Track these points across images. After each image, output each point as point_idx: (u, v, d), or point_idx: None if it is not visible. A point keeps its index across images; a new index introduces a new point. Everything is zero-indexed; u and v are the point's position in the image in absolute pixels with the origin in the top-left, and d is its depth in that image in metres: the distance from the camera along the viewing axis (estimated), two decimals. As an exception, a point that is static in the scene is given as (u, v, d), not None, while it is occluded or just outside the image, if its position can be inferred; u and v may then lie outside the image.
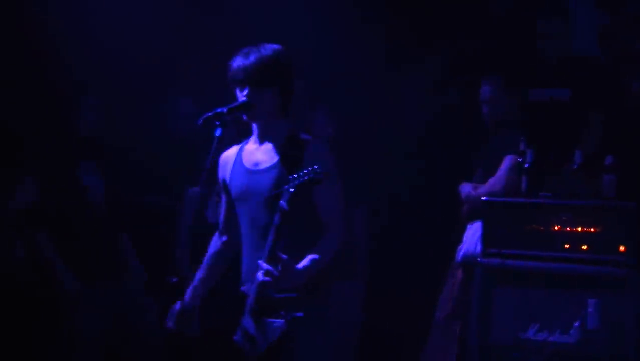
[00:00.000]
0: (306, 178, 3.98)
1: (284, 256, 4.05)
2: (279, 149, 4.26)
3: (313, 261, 4.15)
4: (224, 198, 4.48)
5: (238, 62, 4.23)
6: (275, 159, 4.25)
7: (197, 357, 5.87)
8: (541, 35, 6.45)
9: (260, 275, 4.06)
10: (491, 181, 5.91)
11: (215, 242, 4.53)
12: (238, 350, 4.20)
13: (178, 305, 4.34)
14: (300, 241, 4.16)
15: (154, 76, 6.97)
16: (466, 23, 6.94)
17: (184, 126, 6.65)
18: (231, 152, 4.44)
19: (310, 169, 3.98)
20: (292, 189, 3.99)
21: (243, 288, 4.28)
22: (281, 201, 4.02)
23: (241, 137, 4.47)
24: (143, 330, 6.17)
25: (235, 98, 4.27)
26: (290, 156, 4.20)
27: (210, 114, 4.13)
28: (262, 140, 4.33)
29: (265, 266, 4.05)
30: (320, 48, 6.73)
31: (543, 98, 6.40)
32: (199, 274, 4.42)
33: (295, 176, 4.01)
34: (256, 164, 4.30)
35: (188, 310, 4.38)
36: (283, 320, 4.11)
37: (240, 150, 4.41)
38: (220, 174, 4.45)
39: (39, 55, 6.63)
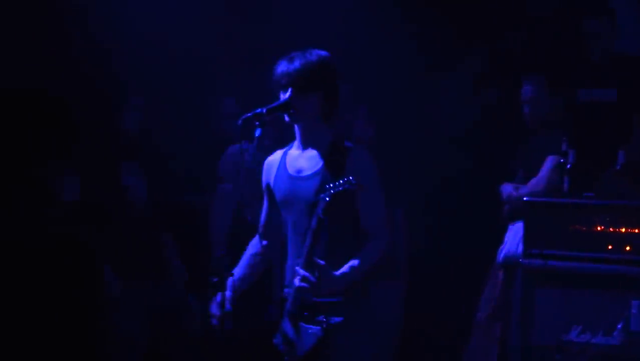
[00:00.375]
0: (340, 188, 4.00)
1: (321, 262, 4.06)
2: (321, 156, 4.24)
3: (352, 268, 4.14)
4: (265, 202, 4.49)
5: (282, 67, 4.23)
6: (318, 166, 4.23)
7: (236, 358, 5.89)
8: (588, 35, 6.39)
9: (296, 281, 4.08)
10: (533, 181, 5.88)
11: (255, 244, 4.54)
12: (277, 353, 4.21)
13: (215, 303, 4.35)
14: (342, 248, 4.17)
15: (197, 75, 7.01)
16: (508, 22, 6.91)
17: (227, 126, 6.67)
18: (275, 157, 4.44)
19: (345, 179, 4.00)
20: (327, 198, 4.01)
21: (285, 291, 4.30)
22: (317, 209, 4.04)
23: (284, 140, 4.48)
24: (184, 329, 6.21)
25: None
26: (332, 163, 4.18)
27: (249, 114, 4.13)
28: (305, 145, 4.31)
29: (302, 272, 4.06)
30: (359, 49, 6.74)
31: (590, 98, 6.35)
32: (237, 273, 4.43)
33: (331, 185, 4.03)
34: (299, 171, 4.29)
35: (223, 307, 4.38)
36: (319, 327, 4.11)
37: (284, 155, 4.40)
38: (264, 179, 4.46)
39: (83, 55, 6.69)
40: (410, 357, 6.68)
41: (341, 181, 4.01)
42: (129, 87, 6.55)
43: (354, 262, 4.15)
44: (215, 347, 6.05)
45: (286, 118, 4.25)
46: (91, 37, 6.66)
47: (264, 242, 4.50)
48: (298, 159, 4.32)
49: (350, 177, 3.99)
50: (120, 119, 6.27)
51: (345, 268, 4.14)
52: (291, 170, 4.32)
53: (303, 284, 4.06)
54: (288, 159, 4.36)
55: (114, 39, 6.68)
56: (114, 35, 6.68)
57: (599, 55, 6.37)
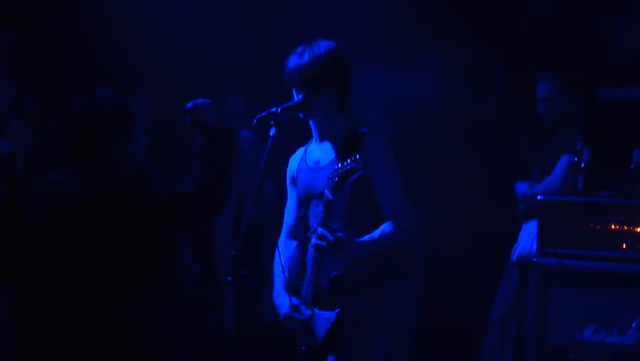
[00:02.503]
0: (347, 168, 4.00)
1: (337, 226, 4.07)
2: (336, 146, 4.28)
3: (371, 238, 4.16)
4: (292, 199, 4.51)
5: (293, 62, 4.25)
6: (333, 155, 4.28)
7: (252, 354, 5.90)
8: (610, 32, 6.37)
9: (313, 238, 4.08)
10: (547, 180, 5.87)
11: (287, 245, 4.53)
12: (293, 344, 4.23)
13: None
14: (360, 233, 4.16)
15: (204, 74, 7.01)
16: (523, 19, 6.90)
17: (233, 125, 6.65)
18: (298, 153, 4.49)
19: (352, 158, 4.00)
20: (335, 179, 4.02)
21: (300, 282, 4.31)
22: (325, 191, 4.05)
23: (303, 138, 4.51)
24: (200, 328, 6.22)
25: (291, 98, 4.30)
26: (346, 151, 4.20)
27: (263, 113, 4.15)
28: (321, 138, 4.36)
29: (320, 230, 4.06)
30: (369, 44, 6.72)
31: (609, 97, 6.33)
32: (283, 277, 4.40)
33: (339, 165, 4.04)
34: (317, 162, 4.35)
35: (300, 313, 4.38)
36: (333, 312, 4.11)
37: (305, 150, 4.45)
38: (289, 175, 4.51)
39: (90, 53, 6.71)
40: (425, 357, 6.68)
41: (348, 160, 4.01)
42: (137, 85, 6.56)
43: (372, 235, 4.16)
44: (229, 345, 6.07)
45: (301, 115, 4.27)
46: (97, 35, 6.67)
47: (295, 242, 4.51)
48: (316, 151, 4.37)
49: (357, 156, 3.99)
50: None
51: (365, 238, 4.15)
52: (310, 163, 4.37)
53: (320, 242, 4.05)
54: (308, 153, 4.42)
55: (120, 36, 6.68)
56: (119, 33, 6.68)
57: (623, 54, 6.33)
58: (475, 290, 6.37)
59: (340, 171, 4.03)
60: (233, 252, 4.05)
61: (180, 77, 6.89)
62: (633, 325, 5.16)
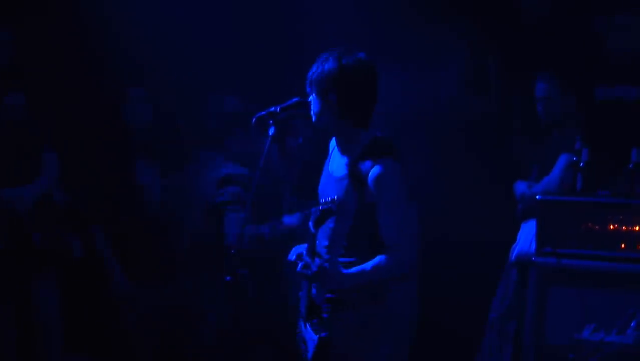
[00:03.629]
0: (324, 207, 4.02)
1: (326, 256, 4.08)
2: (348, 164, 4.21)
3: (362, 270, 4.11)
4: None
5: (312, 69, 4.20)
6: (343, 173, 4.21)
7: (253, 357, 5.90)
8: (608, 32, 6.36)
9: (299, 264, 4.10)
10: (546, 179, 5.88)
11: None
12: (297, 350, 4.24)
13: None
14: (359, 258, 4.15)
15: (203, 73, 7.01)
16: (521, 20, 6.90)
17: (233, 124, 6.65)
18: (331, 150, 4.43)
19: (330, 198, 4.01)
20: (318, 213, 4.03)
21: (300, 293, 4.32)
22: (309, 223, 4.07)
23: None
24: (199, 329, 6.22)
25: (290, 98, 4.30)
26: (355, 174, 4.15)
27: (263, 113, 4.15)
28: (341, 150, 4.29)
29: (305, 258, 4.08)
30: (369, 47, 6.72)
31: (609, 97, 6.33)
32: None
33: (323, 200, 4.04)
34: (332, 172, 4.30)
35: None
36: (316, 337, 4.11)
37: (332, 150, 4.39)
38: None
39: (89, 49, 6.70)
40: (424, 356, 6.67)
41: (329, 200, 4.02)
42: (136, 85, 6.55)
43: (365, 265, 4.12)
44: (227, 348, 6.07)
45: (314, 123, 4.24)
46: (95, 31, 6.67)
47: None
48: (336, 159, 4.31)
49: (335, 197, 4.00)
50: (125, 112, 6.26)
51: (353, 269, 4.12)
52: (329, 168, 4.33)
53: (304, 270, 4.07)
54: (332, 156, 4.37)
55: (117, 33, 6.67)
56: (117, 29, 6.67)
57: (620, 52, 6.31)
58: (474, 289, 6.38)
59: (320, 207, 4.03)
60: (232, 251, 4.08)
61: (180, 77, 6.89)
62: (632, 324, 5.16)
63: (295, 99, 4.25)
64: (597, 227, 5.35)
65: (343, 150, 4.27)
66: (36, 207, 5.83)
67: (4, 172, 5.78)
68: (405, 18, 6.89)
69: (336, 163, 4.29)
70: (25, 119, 5.92)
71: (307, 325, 4.16)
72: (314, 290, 4.17)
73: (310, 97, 4.20)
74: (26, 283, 5.81)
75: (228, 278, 4.13)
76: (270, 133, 4.14)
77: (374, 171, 4.11)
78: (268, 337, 5.69)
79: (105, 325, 6.15)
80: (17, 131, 5.88)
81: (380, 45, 6.86)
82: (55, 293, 5.74)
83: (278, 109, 4.18)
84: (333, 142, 4.38)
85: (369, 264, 4.12)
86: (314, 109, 4.19)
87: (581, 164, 5.51)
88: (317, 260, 4.09)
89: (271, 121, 4.14)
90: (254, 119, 4.14)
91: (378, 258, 4.12)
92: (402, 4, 6.90)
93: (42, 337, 5.84)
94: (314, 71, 4.17)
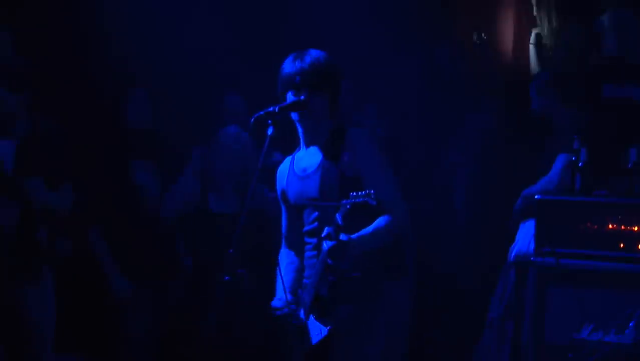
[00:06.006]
0: (359, 200, 3.97)
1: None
2: (321, 148, 4.31)
3: (365, 232, 4.15)
4: (283, 210, 4.53)
5: (294, 65, 4.26)
6: (318, 159, 4.29)
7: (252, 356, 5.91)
8: (607, 31, 6.36)
9: (324, 244, 4.07)
10: (544, 179, 5.88)
11: (287, 255, 4.56)
12: (292, 341, 4.25)
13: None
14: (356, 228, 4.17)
15: (204, 73, 7.02)
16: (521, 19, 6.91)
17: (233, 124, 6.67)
18: (285, 164, 4.50)
19: (366, 191, 3.98)
20: (348, 206, 4.00)
21: (304, 282, 4.35)
22: (337, 215, 4.03)
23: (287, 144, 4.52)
24: (196, 329, 6.22)
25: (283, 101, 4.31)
26: (331, 152, 4.23)
27: (261, 113, 4.16)
28: (308, 144, 4.38)
29: (326, 229, 4.05)
30: (368, 48, 6.74)
31: (608, 96, 6.32)
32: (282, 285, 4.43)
33: (354, 194, 4.00)
34: (304, 170, 4.36)
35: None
36: (326, 329, 4.14)
37: (292, 159, 4.46)
38: (279, 186, 4.51)
39: (87, 49, 6.71)
40: (422, 356, 6.68)
41: (363, 193, 3.98)
42: (133, 81, 6.56)
43: (365, 229, 4.17)
44: (227, 347, 6.07)
45: (295, 117, 4.28)
46: (95, 30, 6.68)
47: (291, 251, 4.54)
48: (303, 159, 4.39)
49: (371, 191, 3.97)
50: (125, 112, 6.27)
51: (360, 232, 4.15)
52: (298, 171, 4.38)
53: (330, 242, 4.04)
54: (295, 161, 4.43)
55: (119, 33, 6.68)
56: (118, 30, 6.68)
57: (619, 52, 6.30)
58: (472, 289, 6.38)
59: (353, 200, 3.99)
60: (230, 250, 4.08)
61: (180, 77, 6.90)
62: (630, 324, 5.16)
63: (293, 99, 4.26)
64: (595, 227, 5.34)
65: (310, 142, 4.34)
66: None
67: None
68: (405, 19, 6.92)
69: (306, 159, 4.35)
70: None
71: (311, 316, 4.19)
72: (321, 280, 4.17)
73: (300, 92, 4.23)
74: (19, 282, 5.78)
75: (227, 277, 4.13)
76: (269, 133, 4.15)
77: (350, 137, 4.22)
78: (267, 337, 5.70)
79: (105, 325, 6.15)
80: None
81: (377, 47, 6.90)
82: (51, 293, 5.71)
83: (277, 109, 4.19)
84: (287, 160, 4.46)
85: (369, 228, 4.17)
86: (309, 101, 4.22)
87: (580, 164, 5.51)
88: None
89: (270, 121, 4.15)
90: (252, 119, 4.15)
91: (377, 221, 4.19)
92: (402, 5, 6.93)
93: (33, 336, 5.81)
94: (304, 65, 4.23)
